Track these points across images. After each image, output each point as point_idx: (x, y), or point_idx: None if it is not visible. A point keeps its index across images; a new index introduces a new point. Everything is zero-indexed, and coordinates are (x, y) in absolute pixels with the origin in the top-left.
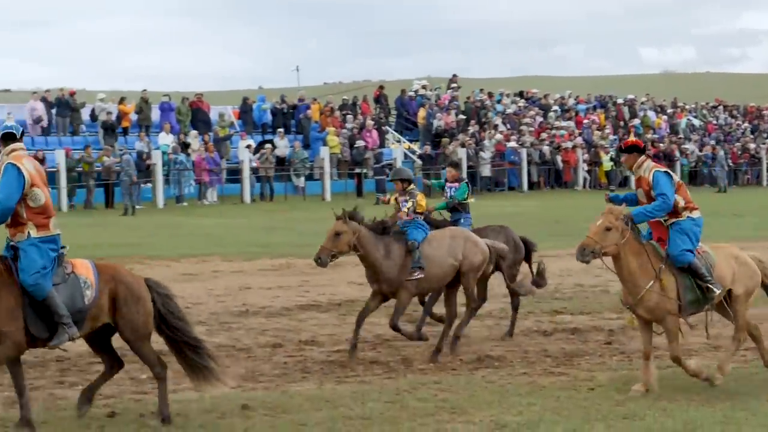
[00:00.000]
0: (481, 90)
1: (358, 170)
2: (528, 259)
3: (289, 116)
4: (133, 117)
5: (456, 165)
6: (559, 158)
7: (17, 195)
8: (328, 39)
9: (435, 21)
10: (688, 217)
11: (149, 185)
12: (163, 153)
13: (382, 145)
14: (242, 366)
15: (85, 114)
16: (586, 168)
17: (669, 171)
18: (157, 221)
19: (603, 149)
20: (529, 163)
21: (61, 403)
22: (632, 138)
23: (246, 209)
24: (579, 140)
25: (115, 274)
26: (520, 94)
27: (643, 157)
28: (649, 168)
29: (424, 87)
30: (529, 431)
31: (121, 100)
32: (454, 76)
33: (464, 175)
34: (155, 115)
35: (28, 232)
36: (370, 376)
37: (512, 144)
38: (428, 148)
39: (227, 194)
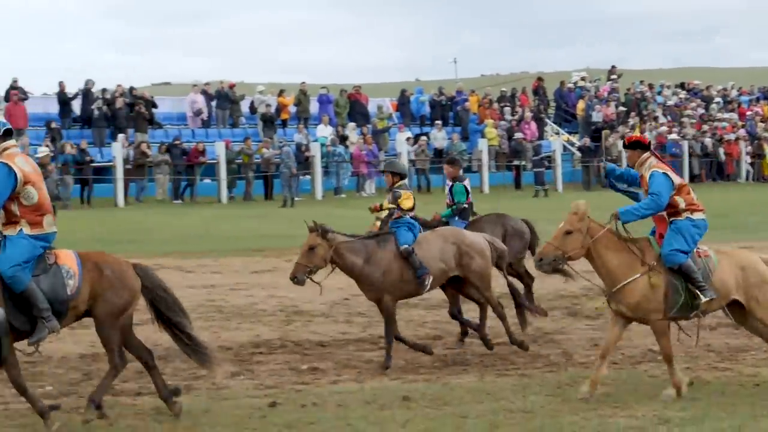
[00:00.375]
0: (642, 81)
1: (516, 162)
2: (533, 243)
3: (447, 108)
4: (292, 109)
5: (453, 162)
6: (721, 150)
7: (6, 194)
8: (486, 30)
9: (593, 12)
10: (687, 217)
11: (308, 177)
12: (322, 145)
13: (540, 137)
14: (402, 357)
15: (244, 106)
16: (749, 160)
17: (668, 172)
18: (315, 213)
19: (767, 141)
20: (690, 155)
21: (224, 392)
22: (637, 133)
23: None
24: (742, 132)
25: (99, 261)
26: (681, 86)
27: (646, 155)
28: (650, 167)
29: (583, 78)
30: (693, 426)
31: (280, 93)
32: (613, 67)
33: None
34: (314, 107)
35: (20, 230)
36: (531, 370)
37: (673, 136)
38: (587, 141)
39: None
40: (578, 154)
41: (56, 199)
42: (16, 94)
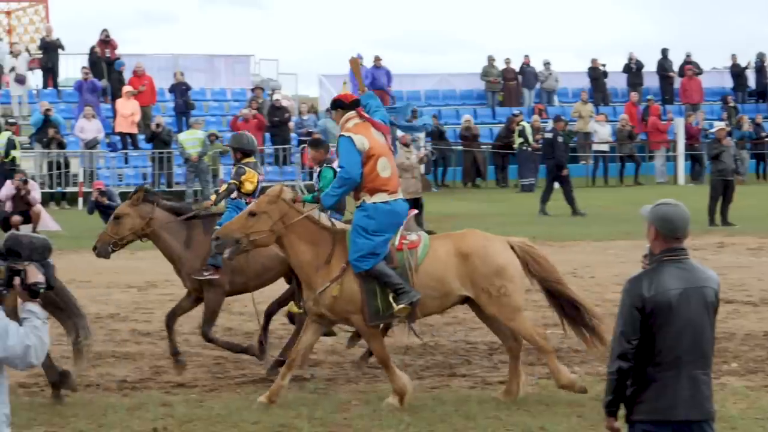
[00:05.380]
0: None
1: None
2: None
3: None
4: None
5: (317, 144)
6: None
7: None
8: None
9: None
10: (363, 202)
11: None
12: None
13: None
14: None
15: None
16: None
17: (356, 135)
18: None
19: None
20: None
21: None
22: (345, 90)
23: None
24: None
25: None
26: None
27: (350, 114)
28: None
29: None
30: None
31: None
32: None
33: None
34: None
35: None
36: None
37: None
38: None
39: None
40: None
41: (736, 173)
42: (690, 68)
